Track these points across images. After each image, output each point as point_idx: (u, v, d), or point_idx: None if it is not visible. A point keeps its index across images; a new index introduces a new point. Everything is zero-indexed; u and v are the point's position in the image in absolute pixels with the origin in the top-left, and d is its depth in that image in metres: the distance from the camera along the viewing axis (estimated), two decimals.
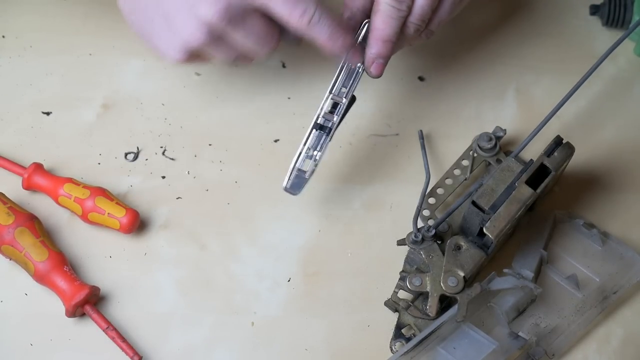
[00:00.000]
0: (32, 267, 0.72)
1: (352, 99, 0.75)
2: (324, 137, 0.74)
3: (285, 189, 0.74)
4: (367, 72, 0.74)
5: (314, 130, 0.74)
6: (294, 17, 0.69)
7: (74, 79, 0.84)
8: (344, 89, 0.74)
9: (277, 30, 0.71)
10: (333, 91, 0.74)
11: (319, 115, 0.74)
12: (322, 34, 0.70)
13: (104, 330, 0.72)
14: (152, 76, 0.84)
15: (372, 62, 0.73)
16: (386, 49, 0.73)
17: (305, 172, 0.74)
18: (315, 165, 0.74)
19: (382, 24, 0.72)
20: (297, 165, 0.74)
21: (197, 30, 0.69)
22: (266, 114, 0.83)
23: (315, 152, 0.74)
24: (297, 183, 0.74)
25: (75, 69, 0.84)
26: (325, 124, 0.74)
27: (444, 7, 0.74)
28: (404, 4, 0.72)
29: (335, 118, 0.74)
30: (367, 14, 0.73)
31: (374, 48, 0.73)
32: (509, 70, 0.86)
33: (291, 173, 0.74)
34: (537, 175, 0.71)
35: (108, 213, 0.75)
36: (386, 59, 0.74)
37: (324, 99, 0.74)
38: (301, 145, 0.74)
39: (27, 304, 0.74)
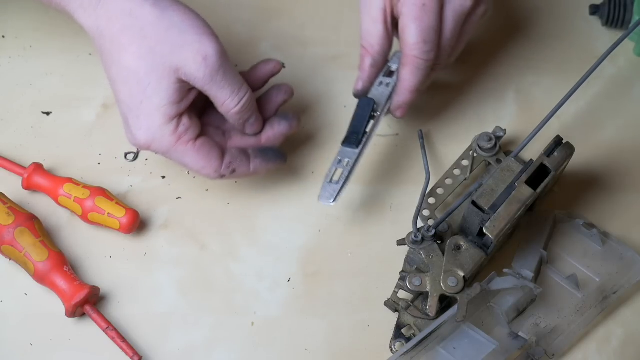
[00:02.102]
0: (32, 267, 0.72)
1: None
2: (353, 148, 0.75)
3: (319, 199, 0.74)
4: (392, 114, 0.77)
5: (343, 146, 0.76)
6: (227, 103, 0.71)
7: (74, 79, 0.84)
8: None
9: (217, 153, 0.73)
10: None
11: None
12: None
13: (104, 330, 0.72)
14: None
15: (398, 108, 0.77)
16: (413, 98, 0.76)
17: (337, 181, 0.74)
18: (348, 174, 0.74)
19: (410, 76, 0.75)
20: (329, 175, 0.74)
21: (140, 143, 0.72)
22: None
23: (345, 161, 0.74)
24: (329, 193, 0.74)
25: (75, 69, 0.84)
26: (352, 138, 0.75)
27: (461, 43, 0.77)
28: (431, 54, 0.74)
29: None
30: (386, 56, 0.76)
31: (402, 97, 0.76)
32: (509, 71, 0.86)
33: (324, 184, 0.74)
34: (537, 175, 0.71)
35: (108, 213, 0.75)
36: (411, 104, 0.77)
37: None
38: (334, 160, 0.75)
39: (27, 304, 0.74)
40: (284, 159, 0.76)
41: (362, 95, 0.77)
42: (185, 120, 0.71)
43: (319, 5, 0.88)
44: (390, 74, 0.77)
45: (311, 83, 0.84)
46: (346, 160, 0.74)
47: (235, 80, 0.71)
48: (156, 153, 0.72)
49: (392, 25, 0.75)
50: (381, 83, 0.77)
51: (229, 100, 0.71)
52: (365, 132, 0.75)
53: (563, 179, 0.79)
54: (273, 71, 0.76)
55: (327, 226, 0.78)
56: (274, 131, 0.75)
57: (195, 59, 0.68)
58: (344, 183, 0.74)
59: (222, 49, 0.69)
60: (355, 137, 0.75)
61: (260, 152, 0.74)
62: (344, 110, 0.83)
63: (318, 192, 0.73)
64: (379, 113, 0.76)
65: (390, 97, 0.76)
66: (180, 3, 0.70)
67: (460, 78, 0.85)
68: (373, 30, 0.75)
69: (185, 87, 0.70)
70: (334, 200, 0.73)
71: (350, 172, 0.74)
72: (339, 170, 0.74)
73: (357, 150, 0.75)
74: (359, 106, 0.76)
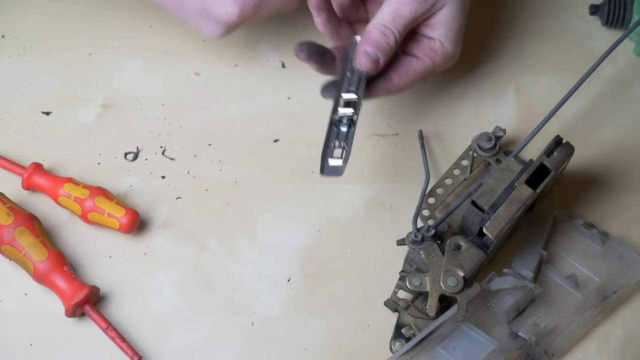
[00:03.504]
0: (32, 267, 0.72)
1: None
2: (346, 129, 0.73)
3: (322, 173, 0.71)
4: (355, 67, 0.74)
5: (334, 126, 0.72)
6: None
7: (74, 79, 0.84)
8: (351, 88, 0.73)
9: None
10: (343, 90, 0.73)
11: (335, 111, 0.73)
12: None
13: (103, 330, 0.72)
14: (152, 76, 0.84)
15: (361, 59, 0.73)
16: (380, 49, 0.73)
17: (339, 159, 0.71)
18: (346, 152, 0.71)
19: (375, 36, 0.73)
20: (327, 154, 0.71)
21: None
22: (266, 114, 0.83)
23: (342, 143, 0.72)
24: (333, 169, 0.71)
25: (75, 68, 0.84)
26: (342, 119, 0.72)
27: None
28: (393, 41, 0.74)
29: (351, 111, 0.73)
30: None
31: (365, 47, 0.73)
32: (509, 70, 0.86)
33: (323, 161, 0.71)
34: (537, 175, 0.71)
35: (108, 213, 0.75)
36: (375, 51, 0.73)
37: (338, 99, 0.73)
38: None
39: (27, 304, 0.74)
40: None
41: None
42: None
43: None
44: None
45: (311, 83, 0.84)
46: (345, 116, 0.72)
47: None
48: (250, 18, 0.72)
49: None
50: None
51: None
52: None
53: (563, 179, 0.79)
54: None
55: (327, 226, 0.78)
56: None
57: None
58: (348, 145, 0.71)
59: None
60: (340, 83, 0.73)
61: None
62: None
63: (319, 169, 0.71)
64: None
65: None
66: None
67: (460, 78, 0.85)
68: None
69: None
70: (338, 163, 0.71)
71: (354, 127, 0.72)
72: (338, 151, 0.71)
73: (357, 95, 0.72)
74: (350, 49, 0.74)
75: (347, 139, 0.72)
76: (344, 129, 0.72)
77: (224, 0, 0.71)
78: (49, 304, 0.74)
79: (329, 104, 0.77)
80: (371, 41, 0.72)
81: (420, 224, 0.74)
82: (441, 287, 0.70)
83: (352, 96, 0.73)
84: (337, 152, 0.71)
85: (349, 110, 0.72)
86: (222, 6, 0.71)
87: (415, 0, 0.73)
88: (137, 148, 0.81)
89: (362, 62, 0.73)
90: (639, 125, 0.84)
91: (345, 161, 0.71)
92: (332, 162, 0.71)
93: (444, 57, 0.76)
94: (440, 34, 0.75)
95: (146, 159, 0.81)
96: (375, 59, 0.73)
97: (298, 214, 0.79)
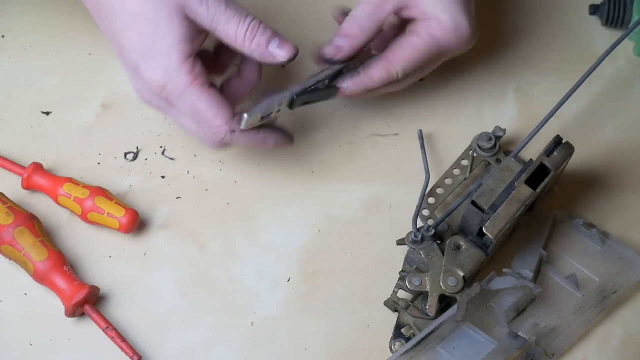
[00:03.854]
0: (32, 267, 0.72)
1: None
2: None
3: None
4: (339, 90, 0.75)
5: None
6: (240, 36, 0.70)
7: (73, 79, 0.84)
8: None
9: (229, 104, 0.71)
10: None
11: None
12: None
13: (103, 330, 0.72)
14: None
15: (344, 91, 0.75)
16: (360, 93, 0.75)
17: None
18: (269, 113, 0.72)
19: (378, 80, 0.75)
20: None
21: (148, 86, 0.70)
22: None
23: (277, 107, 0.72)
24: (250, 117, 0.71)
25: (75, 69, 0.84)
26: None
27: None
28: (400, 78, 0.75)
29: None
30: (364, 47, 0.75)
31: (355, 87, 0.75)
32: (509, 71, 0.86)
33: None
34: (537, 175, 0.71)
35: (108, 213, 0.75)
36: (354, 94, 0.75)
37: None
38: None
39: (27, 304, 0.74)
40: (291, 140, 0.75)
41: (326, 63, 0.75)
42: (199, 62, 0.69)
43: (318, 4, 0.88)
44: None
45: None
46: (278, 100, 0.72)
47: (238, 8, 0.70)
48: (167, 99, 0.70)
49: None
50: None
51: (240, 28, 0.69)
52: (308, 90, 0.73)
53: (563, 179, 0.79)
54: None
55: (327, 226, 0.78)
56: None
57: None
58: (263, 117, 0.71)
59: None
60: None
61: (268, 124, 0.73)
62: (343, 110, 0.83)
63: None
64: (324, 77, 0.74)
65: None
66: None
67: (460, 78, 0.85)
68: (367, 22, 0.74)
69: (193, 27, 0.69)
70: (244, 124, 0.70)
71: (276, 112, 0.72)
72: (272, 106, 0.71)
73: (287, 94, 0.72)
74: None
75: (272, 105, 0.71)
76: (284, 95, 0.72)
77: (153, 67, 0.69)
78: (49, 304, 0.74)
79: (328, 102, 0.77)
80: (338, 33, 0.74)
81: (420, 224, 0.74)
82: (441, 287, 0.70)
83: (311, 82, 0.73)
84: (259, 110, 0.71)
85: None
86: (149, 71, 0.69)
87: None
88: (137, 148, 0.81)
89: (326, 50, 0.74)
90: (639, 125, 0.84)
91: (253, 117, 0.70)
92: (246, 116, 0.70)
93: (444, 31, 0.74)
94: (431, 5, 0.74)
95: (146, 159, 0.81)
96: (338, 46, 0.73)
97: (298, 213, 0.79)
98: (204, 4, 0.68)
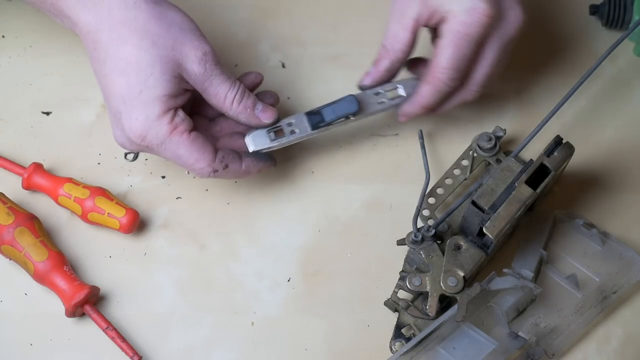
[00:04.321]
0: (32, 267, 0.72)
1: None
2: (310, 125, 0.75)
3: (245, 138, 0.75)
4: (397, 116, 0.78)
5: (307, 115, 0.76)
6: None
7: (74, 79, 0.84)
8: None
9: (210, 148, 0.72)
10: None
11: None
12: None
13: (103, 330, 0.72)
14: None
15: (404, 116, 0.78)
16: (421, 112, 0.77)
17: (273, 139, 0.74)
18: (287, 142, 0.75)
19: (428, 94, 0.75)
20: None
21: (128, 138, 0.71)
22: None
23: (294, 129, 0.75)
24: (259, 141, 0.74)
25: (75, 69, 0.84)
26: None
27: (495, 70, 0.77)
28: (456, 82, 0.75)
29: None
30: (402, 63, 0.76)
31: (412, 108, 0.77)
32: (509, 70, 0.86)
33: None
34: (537, 175, 0.71)
35: (108, 213, 0.75)
36: (416, 116, 0.78)
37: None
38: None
39: (27, 304, 0.74)
40: (274, 161, 0.76)
41: (365, 89, 0.77)
42: (180, 113, 0.71)
43: (318, 4, 0.88)
44: (393, 92, 0.77)
45: (310, 83, 0.84)
46: (296, 129, 0.75)
47: (230, 74, 0.72)
48: (147, 147, 0.71)
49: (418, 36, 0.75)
50: (378, 93, 0.77)
51: (230, 92, 0.71)
52: (328, 123, 0.75)
53: (563, 179, 0.79)
54: (255, 82, 0.77)
55: (327, 226, 0.78)
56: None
57: (196, 54, 0.69)
58: (277, 146, 0.74)
59: (215, 50, 0.71)
60: (319, 120, 0.75)
61: (251, 152, 0.74)
62: None
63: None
64: (353, 119, 0.76)
65: (368, 113, 0.77)
66: (178, 7, 0.71)
67: None
68: (401, 36, 0.74)
69: (182, 86, 0.70)
70: (256, 149, 0.74)
71: (289, 142, 0.75)
72: (283, 131, 0.74)
73: (310, 131, 0.75)
74: (343, 100, 0.75)
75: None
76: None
77: (134, 117, 0.69)
78: (49, 304, 0.74)
79: (328, 102, 0.77)
80: (418, 107, 0.77)
81: (420, 224, 0.74)
82: (441, 287, 0.70)
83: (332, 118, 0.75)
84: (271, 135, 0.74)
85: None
86: (129, 120, 0.69)
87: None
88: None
89: (402, 120, 0.79)
90: (639, 125, 0.84)
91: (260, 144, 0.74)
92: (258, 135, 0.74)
93: (459, 20, 0.73)
94: (446, 4, 0.73)
95: (146, 159, 0.81)
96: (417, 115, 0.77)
97: (298, 213, 0.79)
98: (202, 64, 0.70)
